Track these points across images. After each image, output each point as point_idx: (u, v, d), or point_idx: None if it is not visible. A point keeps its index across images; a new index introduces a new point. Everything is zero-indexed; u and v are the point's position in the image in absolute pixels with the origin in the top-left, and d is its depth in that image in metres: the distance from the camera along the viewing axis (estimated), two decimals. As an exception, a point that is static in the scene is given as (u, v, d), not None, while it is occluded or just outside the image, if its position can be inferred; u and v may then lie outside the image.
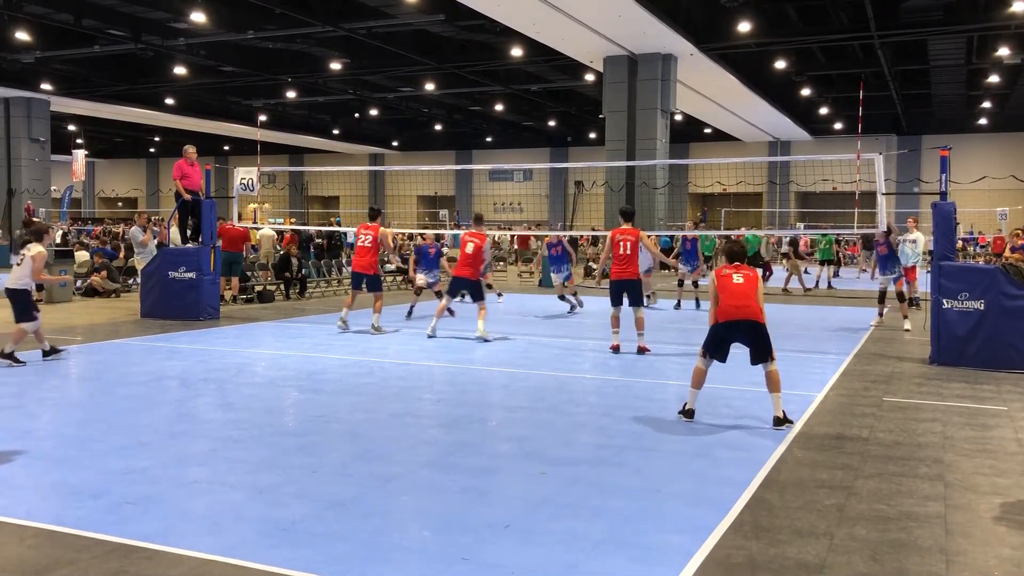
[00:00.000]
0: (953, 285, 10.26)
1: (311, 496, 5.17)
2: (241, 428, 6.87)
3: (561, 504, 5.13)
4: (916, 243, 17.85)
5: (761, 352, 7.14)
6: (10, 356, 9.60)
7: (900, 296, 14.16)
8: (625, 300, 11.04)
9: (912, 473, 5.85)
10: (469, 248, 12.15)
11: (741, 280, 7.22)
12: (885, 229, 13.50)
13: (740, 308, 7.10)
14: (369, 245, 12.74)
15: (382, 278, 12.67)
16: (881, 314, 14.63)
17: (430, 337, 12.14)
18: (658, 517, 4.94)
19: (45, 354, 9.96)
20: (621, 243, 11.01)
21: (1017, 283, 9.99)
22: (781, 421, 7.06)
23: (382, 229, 13.02)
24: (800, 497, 5.29)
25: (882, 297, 14.52)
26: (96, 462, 5.85)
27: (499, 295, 18.54)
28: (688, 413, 7.29)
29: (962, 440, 6.77)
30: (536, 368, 10.02)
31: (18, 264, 9.79)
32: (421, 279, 15.53)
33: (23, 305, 9.69)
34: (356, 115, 45.66)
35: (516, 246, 36.68)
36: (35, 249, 9.78)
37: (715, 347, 7.26)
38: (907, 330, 13.60)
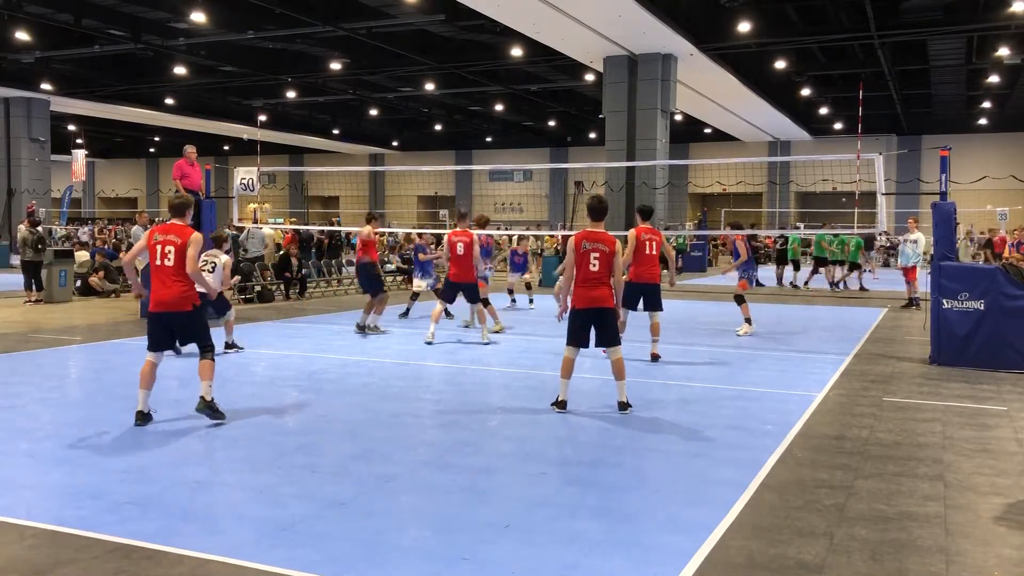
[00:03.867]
0: (953, 285, 10.25)
1: (311, 496, 5.17)
2: (241, 428, 6.87)
3: (561, 504, 5.13)
4: (917, 243, 17.85)
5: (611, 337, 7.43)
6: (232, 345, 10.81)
7: (739, 299, 13.02)
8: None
9: (912, 473, 5.85)
10: (460, 249, 11.49)
11: (597, 267, 7.29)
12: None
13: (595, 298, 7.29)
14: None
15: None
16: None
17: (428, 344, 11.63)
18: (658, 517, 4.94)
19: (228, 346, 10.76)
20: (648, 243, 10.37)
21: (1017, 283, 9.99)
22: (625, 406, 7.48)
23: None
24: (800, 497, 5.29)
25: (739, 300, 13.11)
26: (96, 462, 5.85)
27: (530, 301, 17.57)
28: (561, 404, 7.55)
29: (962, 440, 6.77)
30: (536, 368, 10.01)
31: (209, 271, 9.94)
32: (419, 284, 15.42)
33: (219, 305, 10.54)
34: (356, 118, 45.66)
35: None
36: (224, 258, 10.35)
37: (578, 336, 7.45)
38: (739, 335, 12.83)
